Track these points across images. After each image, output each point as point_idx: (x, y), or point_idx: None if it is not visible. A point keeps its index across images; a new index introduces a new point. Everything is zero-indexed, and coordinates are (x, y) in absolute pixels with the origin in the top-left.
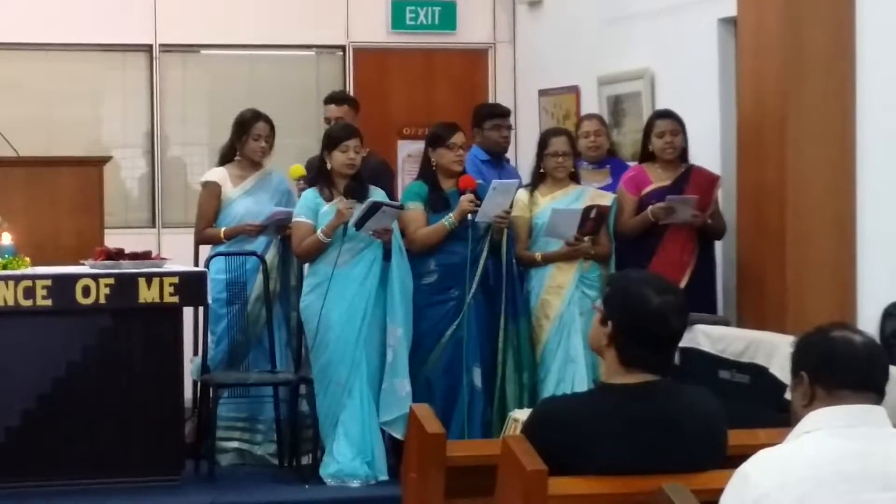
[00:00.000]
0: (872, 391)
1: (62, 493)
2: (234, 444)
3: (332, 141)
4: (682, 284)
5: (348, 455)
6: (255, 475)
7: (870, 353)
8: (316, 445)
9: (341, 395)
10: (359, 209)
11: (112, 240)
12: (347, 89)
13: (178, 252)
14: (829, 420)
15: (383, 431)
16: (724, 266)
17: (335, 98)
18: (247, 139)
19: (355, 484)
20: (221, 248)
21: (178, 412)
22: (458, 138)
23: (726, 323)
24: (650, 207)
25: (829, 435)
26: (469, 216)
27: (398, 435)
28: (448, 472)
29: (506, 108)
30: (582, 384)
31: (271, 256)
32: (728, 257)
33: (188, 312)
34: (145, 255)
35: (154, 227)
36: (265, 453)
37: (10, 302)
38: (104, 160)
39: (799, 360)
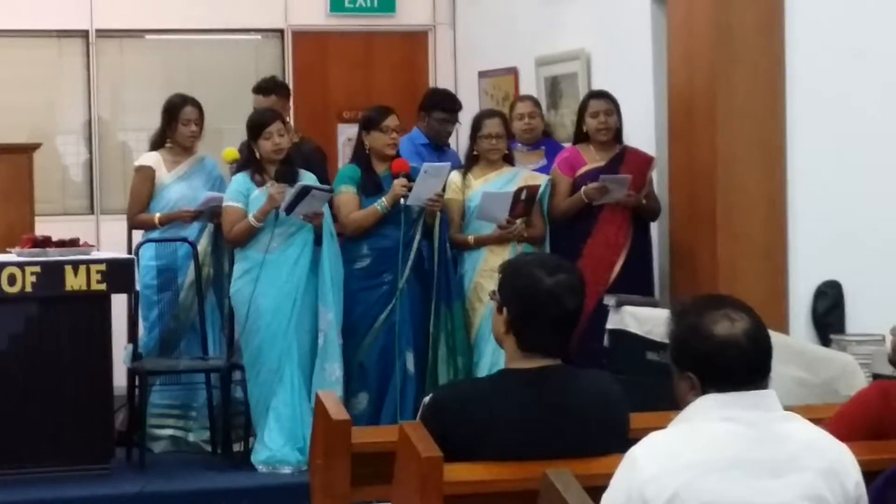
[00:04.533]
0: (761, 378)
1: None
2: (168, 432)
3: (254, 129)
4: (618, 266)
5: (279, 441)
6: (187, 462)
7: (755, 346)
8: (248, 432)
9: (272, 381)
10: (289, 193)
11: (50, 227)
12: (287, 73)
13: (117, 239)
14: (720, 404)
15: None
16: (659, 248)
17: (262, 89)
18: (176, 125)
19: (287, 470)
20: (152, 235)
21: (108, 400)
22: (391, 121)
23: (654, 304)
24: (584, 188)
25: (719, 419)
26: (402, 200)
27: None
28: (354, 459)
29: (458, 104)
30: None
31: (204, 243)
32: (663, 239)
33: (122, 300)
34: (72, 243)
35: (93, 213)
36: (199, 440)
37: None
38: (33, 147)
39: (682, 360)
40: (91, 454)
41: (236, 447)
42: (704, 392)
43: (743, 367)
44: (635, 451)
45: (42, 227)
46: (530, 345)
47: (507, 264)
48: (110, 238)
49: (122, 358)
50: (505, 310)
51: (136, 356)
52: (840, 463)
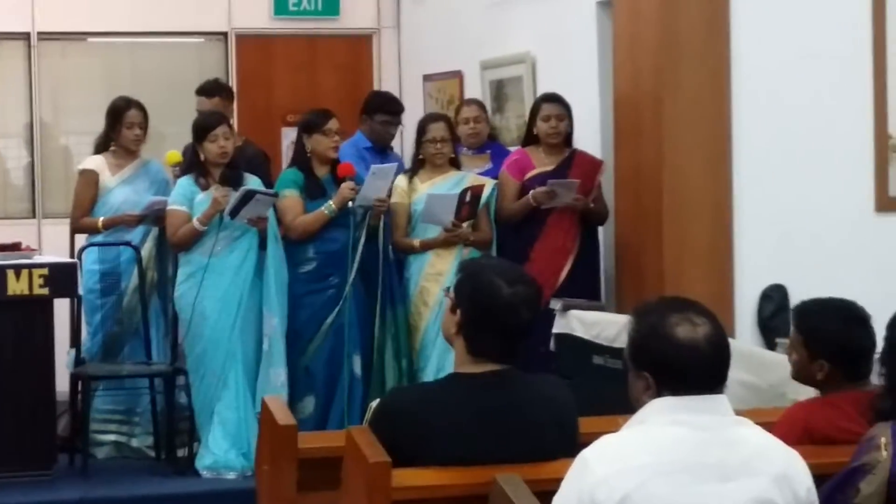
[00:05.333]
0: (718, 384)
1: None
2: (112, 437)
3: (199, 132)
4: (566, 270)
5: (224, 446)
6: (130, 468)
7: (715, 352)
8: (192, 437)
9: (217, 385)
10: (234, 197)
11: None
12: (230, 76)
13: (60, 243)
14: (673, 407)
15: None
16: (605, 251)
17: (205, 91)
18: (120, 128)
19: (231, 476)
20: (95, 239)
21: (50, 405)
22: (333, 124)
23: (601, 308)
24: (532, 192)
25: (671, 423)
26: (349, 203)
27: None
28: (301, 465)
29: (400, 106)
30: None
31: (148, 247)
32: (611, 243)
33: (64, 304)
34: (14, 247)
35: (34, 217)
36: (142, 445)
37: None
38: None
39: (640, 360)
40: (33, 460)
41: (180, 453)
42: (659, 393)
43: (700, 372)
44: (587, 454)
45: None
46: (480, 350)
47: (468, 266)
48: (52, 242)
49: (64, 363)
50: (459, 311)
51: (78, 361)
52: (792, 468)
